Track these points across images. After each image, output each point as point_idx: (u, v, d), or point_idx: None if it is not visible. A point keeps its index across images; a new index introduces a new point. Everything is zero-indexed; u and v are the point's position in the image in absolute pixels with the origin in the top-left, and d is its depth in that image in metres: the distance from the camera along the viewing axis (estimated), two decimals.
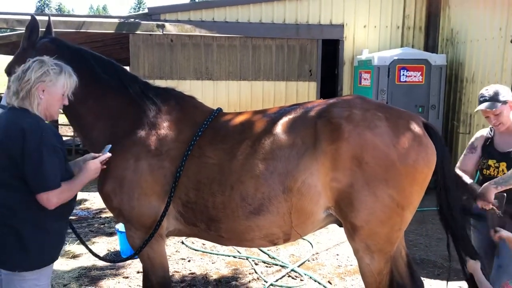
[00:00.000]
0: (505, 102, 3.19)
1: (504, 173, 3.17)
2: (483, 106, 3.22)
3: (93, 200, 7.64)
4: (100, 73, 3.07)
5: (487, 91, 3.25)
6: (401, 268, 3.15)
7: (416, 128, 2.78)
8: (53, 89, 2.49)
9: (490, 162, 3.31)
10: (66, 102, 2.63)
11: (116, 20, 8.37)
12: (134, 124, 3.02)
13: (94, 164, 2.64)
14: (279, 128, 2.84)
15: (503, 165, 3.23)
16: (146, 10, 9.02)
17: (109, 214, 6.94)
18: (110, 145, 2.81)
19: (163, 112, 3.07)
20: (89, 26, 8.16)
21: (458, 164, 3.51)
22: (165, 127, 3.00)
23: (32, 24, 3.03)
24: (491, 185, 3.03)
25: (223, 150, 2.86)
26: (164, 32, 8.26)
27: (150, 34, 8.26)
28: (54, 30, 3.33)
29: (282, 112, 2.97)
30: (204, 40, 8.47)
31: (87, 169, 2.60)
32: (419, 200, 2.84)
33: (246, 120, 3.01)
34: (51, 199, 2.37)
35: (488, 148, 3.37)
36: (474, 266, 2.86)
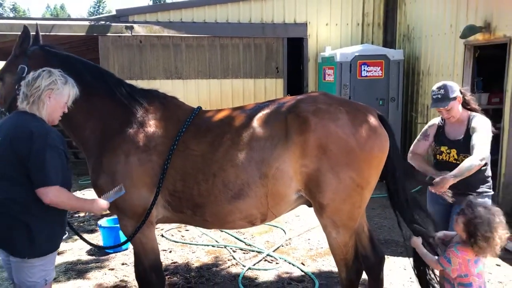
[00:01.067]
0: (454, 98, 3.57)
1: (455, 158, 3.60)
2: (436, 105, 3.61)
3: None
4: (88, 77, 3.28)
5: (439, 90, 3.60)
6: (364, 241, 3.57)
7: (372, 119, 3.19)
8: (59, 97, 2.78)
9: (443, 148, 3.71)
10: (66, 110, 2.90)
11: (86, 23, 8.48)
12: (123, 123, 3.26)
13: (102, 204, 2.90)
14: (255, 122, 3.17)
15: (453, 151, 3.63)
16: (106, 10, 9.14)
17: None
18: (124, 191, 2.98)
19: (149, 111, 3.33)
20: (59, 29, 8.24)
21: (411, 148, 3.93)
22: (151, 125, 3.27)
23: (25, 33, 3.24)
24: (450, 177, 3.36)
25: (206, 143, 3.17)
26: (133, 34, 8.40)
27: (119, 36, 8.38)
28: None
29: (257, 108, 3.31)
30: (172, 41, 8.66)
31: (92, 202, 2.87)
32: (375, 181, 3.25)
33: (225, 116, 3.33)
34: (48, 193, 2.60)
35: (440, 136, 3.77)
36: (417, 241, 3.18)
